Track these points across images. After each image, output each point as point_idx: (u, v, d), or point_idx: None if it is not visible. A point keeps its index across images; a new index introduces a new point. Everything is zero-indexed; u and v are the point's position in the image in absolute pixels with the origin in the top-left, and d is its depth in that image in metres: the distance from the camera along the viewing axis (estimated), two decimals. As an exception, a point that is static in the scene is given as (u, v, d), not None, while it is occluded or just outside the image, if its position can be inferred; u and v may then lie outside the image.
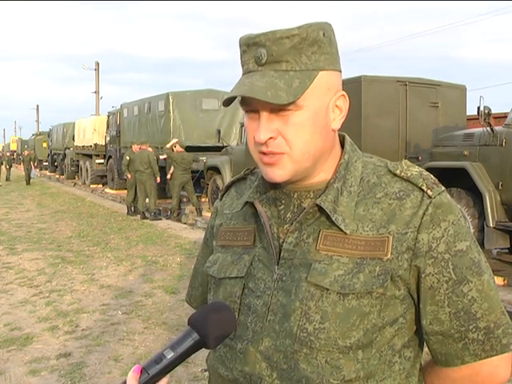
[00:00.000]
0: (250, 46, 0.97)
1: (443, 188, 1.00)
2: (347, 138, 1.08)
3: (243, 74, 0.99)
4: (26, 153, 28.79)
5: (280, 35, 0.94)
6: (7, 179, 28.79)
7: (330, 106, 0.99)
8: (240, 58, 1.00)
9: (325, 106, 0.98)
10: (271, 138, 0.96)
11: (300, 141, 0.96)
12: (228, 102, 1.00)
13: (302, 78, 0.95)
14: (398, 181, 1.01)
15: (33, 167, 27.54)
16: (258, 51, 0.96)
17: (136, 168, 13.32)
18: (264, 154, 0.98)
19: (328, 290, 0.95)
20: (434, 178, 1.02)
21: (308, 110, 0.96)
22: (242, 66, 1.00)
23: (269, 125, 0.96)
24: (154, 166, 13.21)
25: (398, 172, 1.02)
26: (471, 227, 6.82)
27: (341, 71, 1.02)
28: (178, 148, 13.35)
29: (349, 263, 0.96)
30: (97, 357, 4.57)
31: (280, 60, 0.95)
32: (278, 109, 0.95)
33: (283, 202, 1.05)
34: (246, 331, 1.02)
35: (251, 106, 0.97)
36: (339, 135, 1.08)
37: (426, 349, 1.05)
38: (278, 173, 0.98)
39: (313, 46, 0.95)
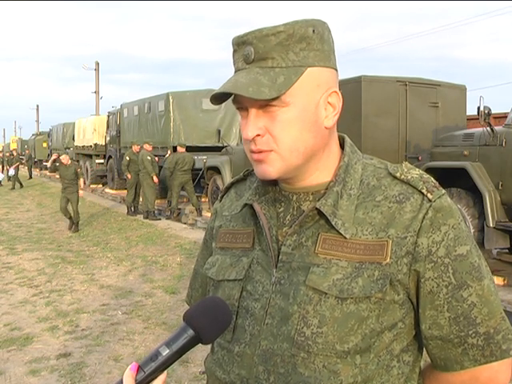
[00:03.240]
0: (239, 44, 0.97)
1: (443, 191, 0.99)
2: (347, 139, 1.07)
3: (234, 73, 1.00)
4: (15, 153, 28.40)
5: (266, 32, 0.94)
6: (9, 179, 28.70)
7: (320, 102, 0.98)
8: (232, 57, 1.01)
9: (314, 102, 0.97)
10: (258, 135, 0.96)
11: (287, 138, 0.96)
12: (214, 99, 1.00)
13: (288, 75, 0.94)
14: (397, 184, 1.00)
15: (11, 168, 26.67)
16: (245, 49, 0.96)
17: (138, 168, 13.34)
18: (253, 151, 0.98)
19: (326, 294, 0.94)
20: (434, 180, 1.01)
21: (295, 107, 0.95)
22: (234, 65, 1.00)
23: (256, 122, 0.96)
24: (147, 165, 13.14)
25: (398, 175, 1.01)
26: (471, 227, 6.81)
27: (335, 68, 1.01)
28: (179, 148, 13.35)
29: (348, 267, 0.95)
30: (97, 357, 4.57)
31: (266, 57, 0.95)
32: (265, 106, 0.95)
33: (282, 204, 1.05)
34: (243, 334, 1.01)
35: (241, 103, 0.97)
36: (339, 136, 1.07)
37: (425, 352, 1.05)
38: (268, 170, 0.98)
39: (301, 42, 0.95)
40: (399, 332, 0.97)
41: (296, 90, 0.94)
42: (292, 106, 0.95)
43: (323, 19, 1.00)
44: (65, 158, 11.95)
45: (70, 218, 11.80)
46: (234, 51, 0.99)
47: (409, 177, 1.00)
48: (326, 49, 0.98)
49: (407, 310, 0.98)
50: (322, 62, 0.97)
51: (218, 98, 0.99)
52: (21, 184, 24.90)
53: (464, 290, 0.95)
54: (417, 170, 1.03)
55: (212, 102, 1.02)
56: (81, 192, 11.96)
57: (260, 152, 0.97)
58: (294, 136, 0.96)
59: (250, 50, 0.95)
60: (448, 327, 0.96)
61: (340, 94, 1.01)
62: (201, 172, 13.31)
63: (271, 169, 0.98)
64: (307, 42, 0.95)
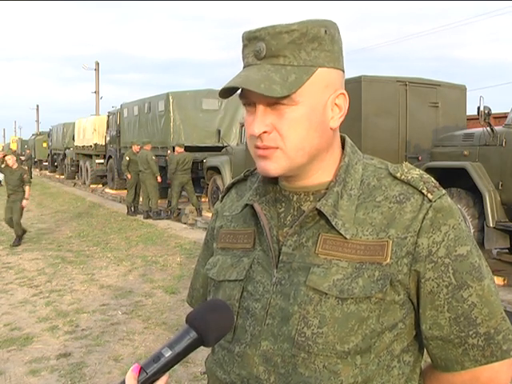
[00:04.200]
0: (250, 40, 0.97)
1: (444, 191, 0.99)
2: (347, 139, 1.07)
3: (243, 68, 0.99)
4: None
5: (279, 30, 0.94)
6: None
7: (328, 103, 0.98)
8: (241, 52, 1.00)
9: (322, 103, 0.97)
10: (265, 132, 0.96)
11: (294, 136, 0.96)
12: (223, 93, 0.99)
13: (299, 74, 0.94)
14: (398, 184, 1.00)
15: None
16: (257, 45, 0.96)
17: (138, 168, 13.35)
18: (259, 147, 0.98)
19: (327, 294, 0.94)
20: (434, 181, 1.01)
21: (304, 106, 0.95)
22: (243, 59, 1.00)
23: (264, 119, 0.96)
24: (152, 165, 13.20)
25: (398, 175, 1.01)
26: (471, 227, 6.81)
27: (343, 70, 1.01)
28: (178, 148, 13.37)
29: (348, 267, 0.95)
30: (97, 357, 4.57)
31: (278, 54, 0.94)
32: (273, 103, 0.94)
33: (283, 204, 1.05)
34: (244, 334, 1.01)
35: (249, 98, 0.97)
36: (340, 136, 1.07)
37: (426, 353, 1.05)
38: (272, 166, 0.98)
39: (313, 42, 0.95)
40: (400, 332, 0.97)
41: (306, 90, 0.95)
42: (301, 105, 0.95)
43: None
44: (11, 159, 10.16)
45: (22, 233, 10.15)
46: (245, 46, 0.99)
47: (409, 177, 1.00)
48: (335, 50, 0.98)
49: (408, 310, 0.98)
50: (332, 63, 0.97)
51: (227, 91, 0.98)
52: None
53: (464, 290, 0.95)
54: (417, 170, 1.03)
55: (220, 96, 1.02)
56: (24, 202, 10.14)
57: (266, 148, 0.97)
58: (301, 135, 0.96)
59: (262, 46, 0.95)
60: (448, 327, 0.96)
61: (347, 95, 1.01)
62: (200, 160, 13.31)
63: (275, 165, 0.97)
64: (319, 42, 0.95)
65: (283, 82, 0.93)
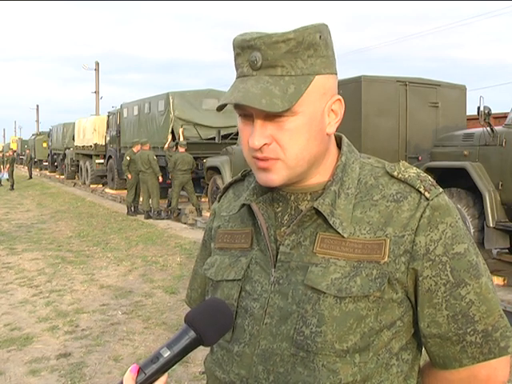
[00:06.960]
0: (244, 48, 0.95)
1: (441, 190, 1.00)
2: (344, 138, 1.07)
3: (237, 78, 0.98)
4: (10, 153, 28.22)
5: (276, 39, 0.92)
6: (8, 179, 28.71)
7: (325, 110, 0.98)
8: (234, 60, 0.98)
9: (320, 110, 0.97)
10: (265, 144, 0.95)
11: (295, 147, 0.95)
12: (221, 107, 0.98)
13: (298, 84, 0.93)
14: (395, 182, 1.00)
15: (3, 169, 26.60)
16: (252, 55, 0.94)
17: (139, 168, 13.36)
18: (258, 159, 0.97)
19: (325, 293, 0.94)
20: (431, 179, 1.01)
21: (303, 116, 0.94)
22: (236, 68, 0.98)
23: (263, 131, 0.95)
24: (154, 165, 13.24)
25: (395, 173, 1.01)
26: (471, 227, 6.81)
27: (336, 74, 1.01)
28: (179, 148, 13.37)
29: (346, 266, 0.95)
30: (97, 357, 4.57)
31: (275, 65, 0.93)
32: (272, 115, 0.93)
33: (280, 204, 1.05)
34: (242, 334, 1.01)
35: (245, 110, 0.96)
36: (336, 136, 1.07)
37: (424, 351, 1.05)
38: (272, 178, 0.97)
39: (309, 49, 0.94)
40: (398, 330, 0.97)
41: (304, 100, 0.94)
42: (300, 115, 0.94)
43: (321, 20, 0.99)
44: None
45: None
46: (237, 54, 0.97)
47: (406, 175, 1.00)
48: (330, 54, 0.97)
49: (406, 308, 0.98)
50: (328, 68, 0.97)
51: (222, 104, 0.97)
52: (12, 186, 24.41)
53: (462, 287, 0.95)
54: (414, 168, 1.03)
55: (218, 110, 1.01)
56: None
57: (266, 160, 0.96)
58: (302, 145, 0.95)
59: (258, 55, 0.93)
60: (446, 325, 0.96)
61: (342, 101, 1.01)
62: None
63: (276, 177, 0.97)
64: (314, 49, 0.94)
65: (283, 95, 0.92)
